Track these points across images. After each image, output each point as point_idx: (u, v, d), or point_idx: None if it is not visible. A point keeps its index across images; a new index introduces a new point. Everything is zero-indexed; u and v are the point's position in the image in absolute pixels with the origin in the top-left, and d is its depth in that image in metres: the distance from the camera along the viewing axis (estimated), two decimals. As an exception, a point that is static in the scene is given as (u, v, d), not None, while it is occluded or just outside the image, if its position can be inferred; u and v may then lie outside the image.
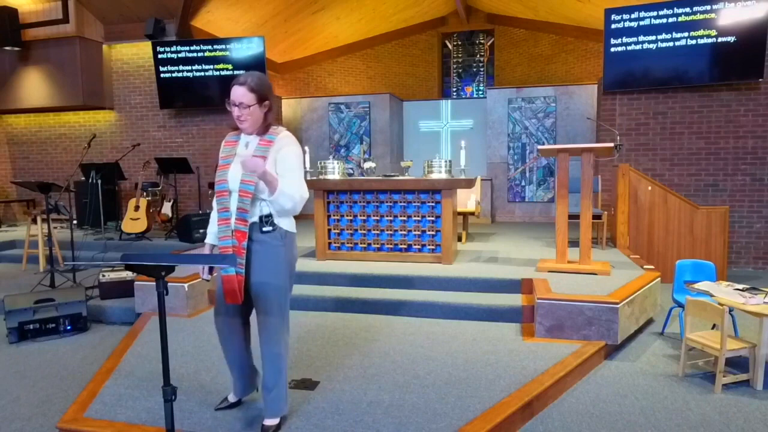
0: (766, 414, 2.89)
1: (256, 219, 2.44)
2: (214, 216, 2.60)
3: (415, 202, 5.15)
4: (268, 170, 2.30)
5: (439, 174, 5.16)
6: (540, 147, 4.63)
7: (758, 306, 3.24)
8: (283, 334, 2.56)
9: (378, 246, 5.30)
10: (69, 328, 4.38)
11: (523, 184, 9.06)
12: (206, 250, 2.66)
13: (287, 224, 2.51)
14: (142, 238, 6.99)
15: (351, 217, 5.33)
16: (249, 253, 2.45)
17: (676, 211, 5.85)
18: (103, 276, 4.97)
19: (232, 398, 2.81)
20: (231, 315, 2.61)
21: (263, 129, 2.47)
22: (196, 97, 8.25)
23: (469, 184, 5.07)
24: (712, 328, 3.79)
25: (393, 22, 11.46)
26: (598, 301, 3.71)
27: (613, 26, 6.68)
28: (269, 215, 2.44)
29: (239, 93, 2.37)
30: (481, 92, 12.29)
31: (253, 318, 2.63)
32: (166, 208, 7.58)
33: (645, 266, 4.81)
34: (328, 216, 5.38)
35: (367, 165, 5.87)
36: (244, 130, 2.48)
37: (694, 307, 3.35)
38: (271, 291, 2.48)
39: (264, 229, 2.44)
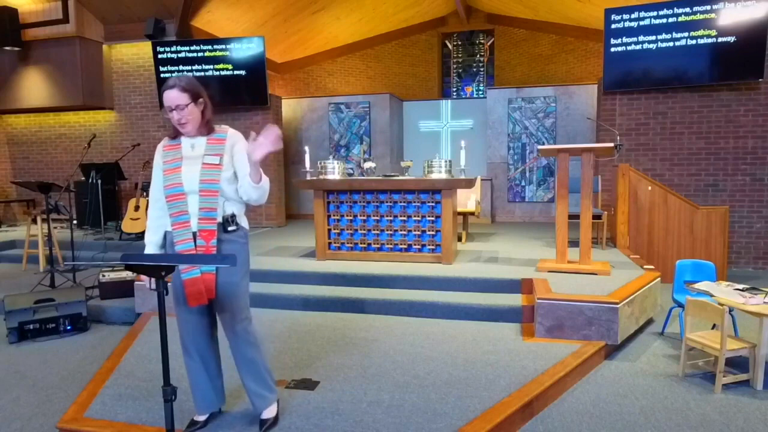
0: (766, 414, 2.89)
1: (219, 219, 2.44)
2: (154, 224, 2.54)
3: (415, 202, 5.15)
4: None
5: (439, 174, 5.16)
6: (540, 147, 4.63)
7: (758, 306, 3.24)
8: (254, 332, 2.59)
9: (378, 246, 5.30)
10: (69, 328, 4.38)
11: (523, 184, 9.06)
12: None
13: (245, 222, 2.59)
14: (142, 238, 6.97)
15: (351, 217, 5.33)
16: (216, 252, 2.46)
17: (676, 211, 5.84)
18: (103, 276, 4.97)
19: (200, 417, 2.63)
20: (197, 313, 2.57)
21: (206, 128, 2.49)
22: (196, 97, 8.24)
23: (469, 184, 5.07)
24: (712, 328, 3.78)
25: (393, 22, 11.45)
26: (598, 301, 3.71)
27: (613, 26, 6.67)
28: (233, 215, 2.48)
29: (173, 96, 2.37)
30: (481, 92, 12.29)
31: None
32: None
33: (645, 266, 4.81)
34: (328, 216, 5.38)
35: (367, 165, 5.87)
36: (187, 133, 2.46)
37: (694, 307, 3.35)
38: (239, 290, 2.51)
39: (229, 228, 2.46)
